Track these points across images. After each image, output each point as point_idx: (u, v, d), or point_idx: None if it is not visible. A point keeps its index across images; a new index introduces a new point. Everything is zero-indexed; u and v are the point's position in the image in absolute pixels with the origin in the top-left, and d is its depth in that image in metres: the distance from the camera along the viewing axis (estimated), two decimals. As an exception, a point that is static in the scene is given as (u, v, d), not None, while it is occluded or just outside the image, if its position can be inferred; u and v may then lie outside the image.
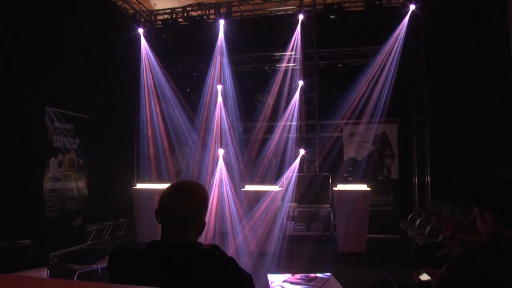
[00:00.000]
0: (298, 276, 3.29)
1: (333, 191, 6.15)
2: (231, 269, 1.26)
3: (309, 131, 7.95)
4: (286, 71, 7.95)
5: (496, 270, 1.31)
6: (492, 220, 1.44)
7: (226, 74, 7.85)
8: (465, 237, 3.14)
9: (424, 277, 1.93)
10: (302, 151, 7.33)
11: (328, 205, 6.92)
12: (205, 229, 1.37)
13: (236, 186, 6.98)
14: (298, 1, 8.04)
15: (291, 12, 8.15)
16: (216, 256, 1.27)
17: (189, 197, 1.30)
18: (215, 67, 7.84)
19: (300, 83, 7.64)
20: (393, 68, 7.06)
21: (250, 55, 8.32)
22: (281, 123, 7.66)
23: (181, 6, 8.49)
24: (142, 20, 8.57)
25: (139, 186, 6.86)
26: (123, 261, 1.30)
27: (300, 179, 7.19)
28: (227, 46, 7.85)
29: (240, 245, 5.88)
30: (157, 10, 8.79)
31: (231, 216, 6.48)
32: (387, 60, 7.15)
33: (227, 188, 6.87)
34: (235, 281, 1.24)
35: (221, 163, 6.99)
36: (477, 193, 1.53)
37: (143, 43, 7.79)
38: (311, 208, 6.93)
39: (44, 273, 3.44)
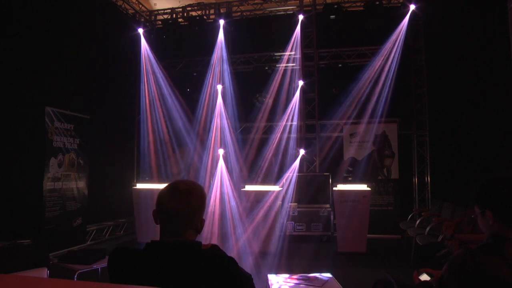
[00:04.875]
0: (298, 276, 3.28)
1: (333, 191, 6.15)
2: (231, 269, 1.26)
3: (309, 131, 7.96)
4: (286, 71, 7.95)
5: (496, 270, 1.31)
6: (493, 219, 1.44)
7: (226, 74, 7.85)
8: (465, 237, 3.14)
9: (424, 277, 1.93)
10: (302, 151, 7.33)
11: (328, 205, 6.92)
12: (204, 229, 1.37)
13: (236, 186, 6.98)
14: (298, 1, 8.04)
15: (291, 12, 8.14)
16: (216, 256, 1.27)
17: (187, 195, 1.29)
18: (215, 67, 7.84)
19: (300, 83, 7.64)
20: (393, 68, 7.06)
21: (250, 55, 8.32)
22: (281, 123, 7.66)
23: (181, 6, 8.49)
24: (142, 20, 8.57)
25: (139, 186, 6.86)
26: (123, 261, 1.30)
27: (300, 179, 7.19)
28: (227, 46, 7.85)
29: (240, 245, 5.87)
30: (157, 10, 8.80)
31: (230, 216, 6.47)
32: (387, 60, 7.15)
33: (227, 188, 6.86)
34: (235, 281, 1.24)
35: (221, 163, 6.98)
36: (478, 192, 1.52)
37: (143, 43, 7.78)
38: (311, 208, 6.93)
39: (44, 273, 3.44)
